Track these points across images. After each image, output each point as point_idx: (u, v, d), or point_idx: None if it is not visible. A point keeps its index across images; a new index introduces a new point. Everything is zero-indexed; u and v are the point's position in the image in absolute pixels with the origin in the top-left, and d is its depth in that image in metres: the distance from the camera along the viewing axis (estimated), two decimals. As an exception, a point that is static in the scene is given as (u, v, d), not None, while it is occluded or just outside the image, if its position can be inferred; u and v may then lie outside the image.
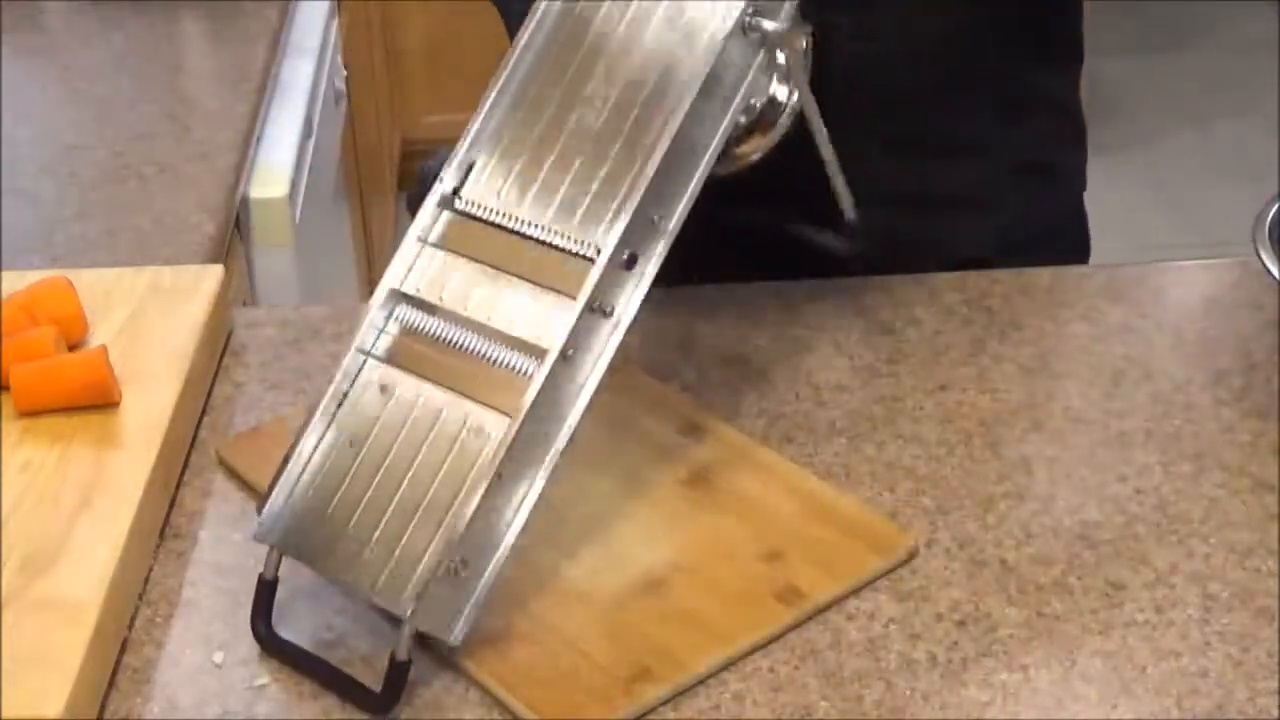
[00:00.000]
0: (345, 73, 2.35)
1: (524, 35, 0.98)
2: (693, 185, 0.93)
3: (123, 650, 0.92)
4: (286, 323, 1.21)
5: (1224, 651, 0.90)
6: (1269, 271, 1.08)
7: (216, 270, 1.20)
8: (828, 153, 1.04)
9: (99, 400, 1.05)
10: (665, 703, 0.87)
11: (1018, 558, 0.97)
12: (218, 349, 1.16)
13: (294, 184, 1.74)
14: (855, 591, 0.94)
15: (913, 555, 0.97)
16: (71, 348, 1.10)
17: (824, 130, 1.03)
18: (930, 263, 1.24)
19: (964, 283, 1.21)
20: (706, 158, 0.93)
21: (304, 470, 0.92)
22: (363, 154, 2.65)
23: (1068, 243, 1.34)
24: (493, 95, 0.98)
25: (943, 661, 0.90)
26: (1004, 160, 1.27)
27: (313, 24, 2.10)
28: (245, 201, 1.66)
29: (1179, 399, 1.09)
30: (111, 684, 0.90)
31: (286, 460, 0.92)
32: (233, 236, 1.59)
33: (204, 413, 1.11)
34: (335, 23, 2.26)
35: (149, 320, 1.14)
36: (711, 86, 0.92)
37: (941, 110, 1.22)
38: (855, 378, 1.12)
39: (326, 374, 1.12)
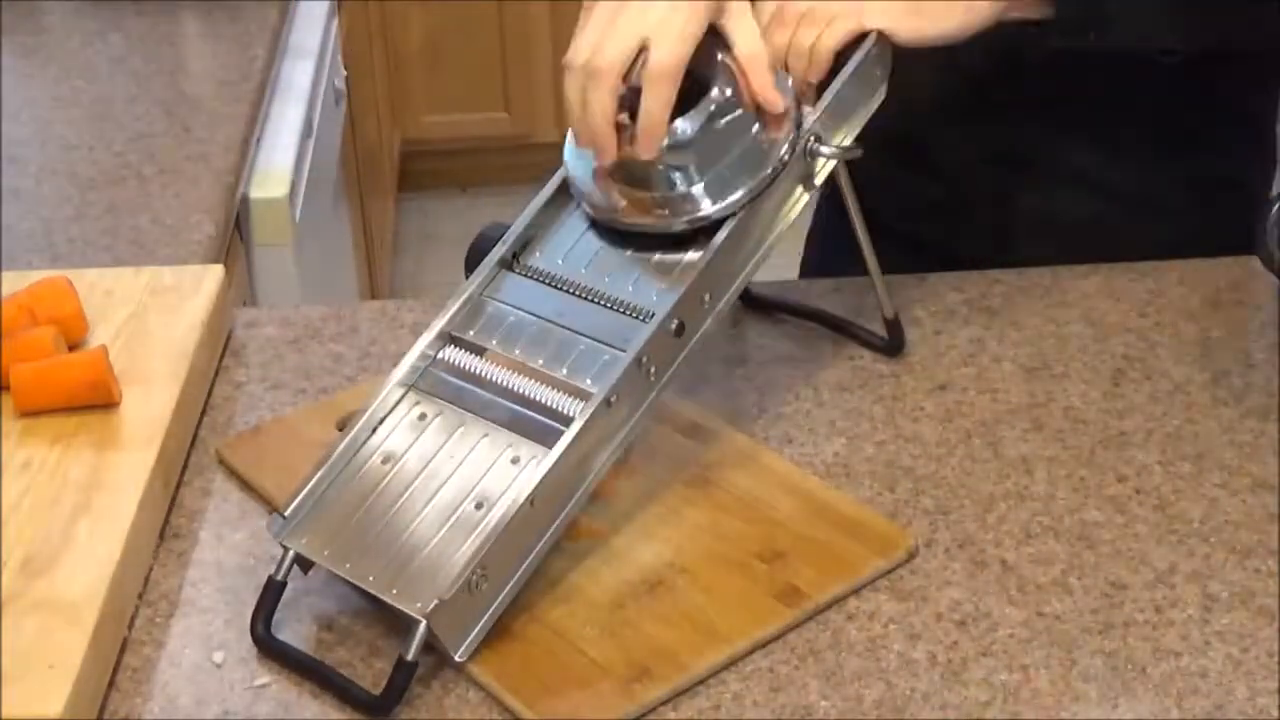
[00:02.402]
0: (345, 73, 2.35)
1: None
2: (743, 275, 1.00)
3: (123, 650, 0.92)
4: (286, 323, 1.21)
5: (1224, 651, 0.90)
6: (1269, 271, 1.08)
7: (216, 270, 1.20)
8: (871, 262, 1.10)
9: (99, 400, 1.05)
10: (665, 703, 0.87)
11: (1018, 558, 0.97)
12: (218, 349, 1.16)
13: (294, 184, 1.74)
14: (855, 591, 0.94)
15: (913, 555, 0.97)
16: (71, 348, 1.10)
17: (869, 240, 1.09)
18: (1106, 255, 1.24)
19: (964, 283, 1.21)
20: (760, 252, 1.01)
21: (332, 480, 0.95)
22: (363, 154, 2.65)
23: (1241, 251, 1.28)
24: (561, 177, 1.03)
25: (943, 661, 0.90)
26: (1187, 168, 1.26)
27: (313, 24, 2.10)
28: (245, 201, 1.66)
29: (1179, 399, 1.09)
30: (111, 684, 0.90)
31: (313, 471, 0.95)
32: (233, 236, 1.59)
33: (204, 413, 1.12)
34: (335, 23, 2.26)
35: (149, 320, 1.14)
36: (769, 192, 0.99)
37: (1131, 108, 1.22)
38: (855, 378, 1.12)
39: (330, 376, 1.13)
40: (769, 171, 0.99)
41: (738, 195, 0.98)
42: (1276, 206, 1.12)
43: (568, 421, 0.92)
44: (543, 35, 3.31)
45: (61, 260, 1.41)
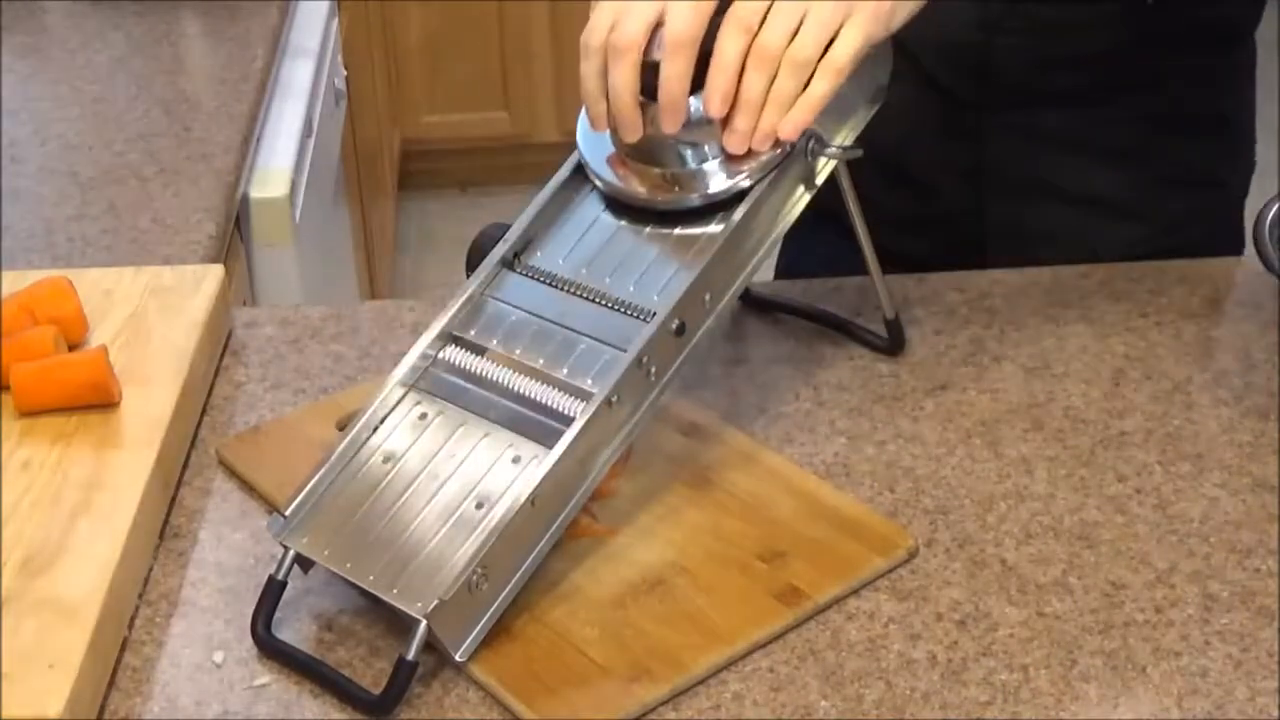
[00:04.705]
0: (345, 73, 2.35)
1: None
2: (744, 275, 1.00)
3: (123, 650, 0.92)
4: (286, 323, 1.21)
5: (1224, 651, 0.90)
6: (1269, 271, 1.08)
7: (216, 270, 1.20)
8: (871, 262, 1.09)
9: (99, 400, 1.05)
10: (665, 703, 0.87)
11: (1018, 558, 0.97)
12: (218, 349, 1.16)
13: (294, 184, 1.74)
14: (855, 591, 0.94)
15: (913, 555, 0.97)
16: (71, 348, 1.10)
17: (869, 241, 1.08)
18: (1074, 260, 1.24)
19: (964, 283, 1.21)
20: (761, 251, 1.00)
21: (333, 480, 0.95)
22: (363, 154, 2.65)
23: (1220, 249, 1.30)
24: (561, 178, 1.03)
25: (943, 661, 0.90)
26: (1159, 170, 1.27)
27: (313, 24, 2.10)
28: (245, 201, 1.66)
29: (1179, 399, 1.09)
30: (111, 684, 0.90)
31: (314, 471, 0.95)
32: (233, 236, 1.59)
33: (204, 413, 1.12)
34: (335, 23, 2.26)
35: (149, 320, 1.14)
36: (770, 191, 0.99)
37: (1100, 114, 1.23)
38: (855, 378, 1.12)
39: (330, 376, 1.13)
40: (778, 151, 0.98)
41: (747, 170, 0.98)
42: (1277, 207, 1.12)
43: (568, 421, 0.91)
44: (543, 35, 3.31)
45: (61, 260, 1.41)
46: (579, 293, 0.98)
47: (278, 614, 0.92)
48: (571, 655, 0.89)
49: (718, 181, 0.98)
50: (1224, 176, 1.32)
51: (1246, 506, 1.00)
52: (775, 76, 0.96)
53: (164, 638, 0.93)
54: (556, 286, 0.99)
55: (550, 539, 0.92)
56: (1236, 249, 1.34)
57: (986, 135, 1.23)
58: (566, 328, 0.97)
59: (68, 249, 1.43)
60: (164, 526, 1.01)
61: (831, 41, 0.96)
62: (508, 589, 0.90)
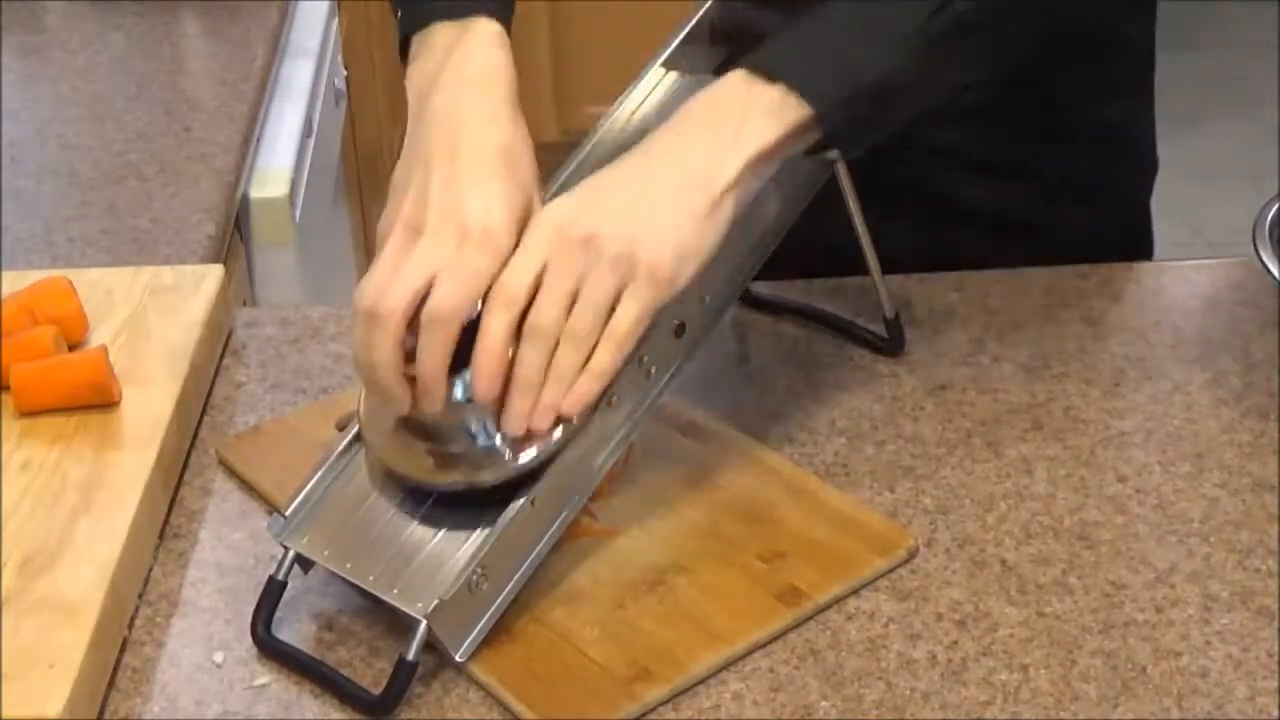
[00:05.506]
0: (345, 73, 2.35)
1: (595, 134, 1.04)
2: (744, 275, 1.00)
3: (123, 650, 0.92)
4: (286, 323, 1.21)
5: (1224, 651, 0.90)
6: (1269, 271, 1.08)
7: (216, 270, 1.20)
8: (872, 262, 1.09)
9: (99, 400, 1.05)
10: (665, 703, 0.87)
11: (1018, 558, 0.97)
12: (218, 349, 1.16)
13: (294, 184, 1.74)
14: (855, 591, 0.94)
15: (913, 555, 0.97)
16: (71, 348, 1.10)
17: (870, 241, 1.08)
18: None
19: (964, 283, 1.21)
20: (761, 252, 1.00)
21: (332, 480, 0.95)
22: (363, 154, 2.64)
23: (1124, 254, 1.29)
24: (565, 174, 1.02)
25: (943, 661, 0.90)
26: (1051, 183, 1.26)
27: (313, 24, 2.10)
28: (245, 201, 1.66)
29: (1179, 399, 1.09)
30: (111, 684, 0.90)
31: (314, 471, 0.94)
32: (233, 236, 1.59)
33: (204, 413, 1.12)
34: (335, 23, 2.26)
35: (149, 320, 1.14)
36: (769, 191, 0.97)
37: (991, 131, 1.22)
38: (855, 378, 1.12)
39: (330, 376, 1.13)
40: (565, 426, 0.90)
41: (552, 440, 0.90)
42: (1277, 207, 1.13)
43: (567, 422, 0.91)
44: (542, 35, 3.31)
45: (61, 260, 1.41)
46: None
47: (278, 614, 0.92)
48: (571, 655, 0.89)
49: (509, 457, 0.90)
50: (1120, 187, 1.31)
51: (1246, 506, 1.00)
52: (551, 351, 0.88)
53: (164, 638, 0.93)
54: None
55: (550, 539, 0.92)
56: (1144, 258, 1.34)
57: (880, 153, 1.21)
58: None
59: (68, 249, 1.43)
60: (164, 526, 1.01)
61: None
62: (508, 589, 0.90)
